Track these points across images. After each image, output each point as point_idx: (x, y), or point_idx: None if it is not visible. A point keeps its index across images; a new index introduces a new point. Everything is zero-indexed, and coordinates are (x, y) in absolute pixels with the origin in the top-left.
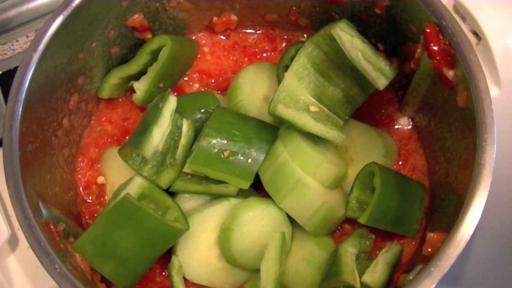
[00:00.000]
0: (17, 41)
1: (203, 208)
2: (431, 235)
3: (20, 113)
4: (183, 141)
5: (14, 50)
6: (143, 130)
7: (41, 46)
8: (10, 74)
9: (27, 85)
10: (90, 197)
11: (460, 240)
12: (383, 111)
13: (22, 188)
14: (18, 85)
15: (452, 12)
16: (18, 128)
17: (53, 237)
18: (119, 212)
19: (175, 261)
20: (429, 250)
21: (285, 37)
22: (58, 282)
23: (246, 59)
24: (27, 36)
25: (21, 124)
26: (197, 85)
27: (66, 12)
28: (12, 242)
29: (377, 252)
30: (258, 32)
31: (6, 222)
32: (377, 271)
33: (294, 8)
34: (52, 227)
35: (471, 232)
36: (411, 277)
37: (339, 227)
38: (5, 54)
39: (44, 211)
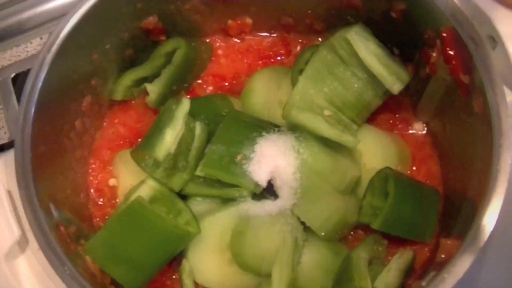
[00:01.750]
0: (31, 43)
1: (215, 212)
2: (445, 242)
3: (33, 114)
4: (196, 144)
5: (28, 52)
6: (156, 133)
7: (55, 47)
8: (23, 76)
9: (40, 86)
10: (101, 199)
11: (475, 246)
12: (397, 116)
13: (34, 189)
14: (32, 86)
15: (469, 16)
16: (31, 130)
17: (64, 239)
18: (130, 215)
19: (186, 264)
20: (443, 256)
21: (300, 40)
22: (68, 284)
23: (260, 62)
24: (41, 38)
25: (34, 125)
26: (211, 88)
27: (80, 14)
28: (22, 243)
29: (390, 258)
30: (273, 35)
31: (16, 223)
32: (389, 277)
33: (310, 11)
34: (63, 229)
35: (485, 239)
36: (424, 284)
37: (352, 232)
38: (19, 56)
39: (55, 213)
